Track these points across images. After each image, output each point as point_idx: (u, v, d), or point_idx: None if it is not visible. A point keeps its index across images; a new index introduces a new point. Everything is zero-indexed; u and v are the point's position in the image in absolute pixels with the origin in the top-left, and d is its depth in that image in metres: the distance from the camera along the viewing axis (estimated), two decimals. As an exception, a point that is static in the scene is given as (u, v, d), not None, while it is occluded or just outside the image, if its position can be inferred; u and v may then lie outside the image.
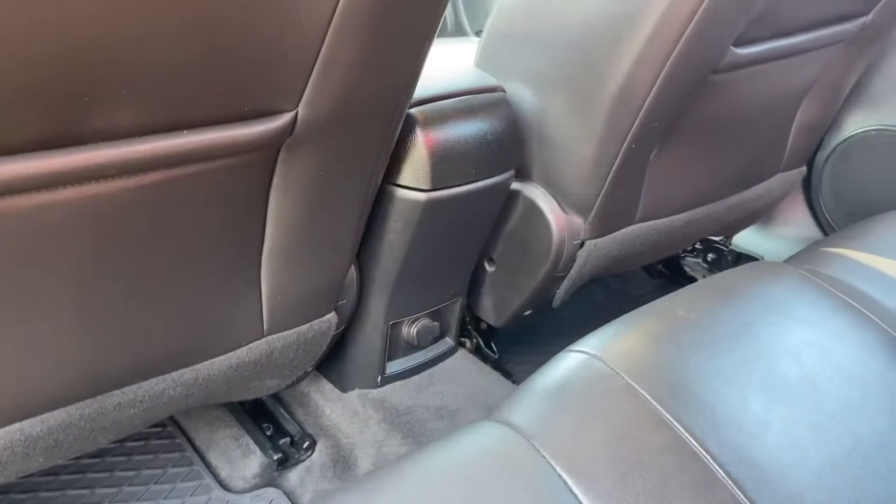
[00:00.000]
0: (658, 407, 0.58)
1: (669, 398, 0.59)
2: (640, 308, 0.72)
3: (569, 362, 0.63)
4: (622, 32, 0.83)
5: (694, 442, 0.56)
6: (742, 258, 1.57)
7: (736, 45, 0.91)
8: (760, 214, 1.38)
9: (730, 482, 0.55)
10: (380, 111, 0.70)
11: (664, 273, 1.60)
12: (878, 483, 0.58)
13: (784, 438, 0.60)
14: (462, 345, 1.17)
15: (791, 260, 0.93)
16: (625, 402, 0.58)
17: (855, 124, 1.44)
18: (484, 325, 1.20)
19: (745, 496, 0.54)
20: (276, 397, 1.10)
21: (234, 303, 0.78)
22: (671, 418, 0.57)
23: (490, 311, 1.11)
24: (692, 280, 1.59)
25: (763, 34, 0.95)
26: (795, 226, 1.58)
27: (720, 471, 0.55)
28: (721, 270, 1.56)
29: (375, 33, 0.61)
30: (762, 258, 1.56)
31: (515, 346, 1.32)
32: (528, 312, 1.10)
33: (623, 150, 0.92)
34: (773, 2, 0.88)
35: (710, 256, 1.59)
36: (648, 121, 0.90)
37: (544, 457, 0.54)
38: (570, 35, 0.88)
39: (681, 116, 0.95)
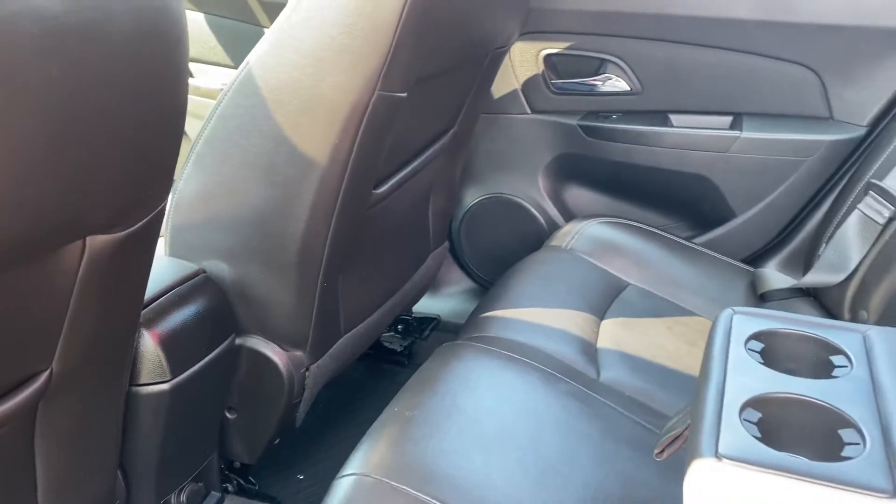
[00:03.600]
0: (420, 495, 0.79)
1: (425, 484, 0.80)
2: (378, 419, 0.93)
3: (343, 487, 0.81)
4: (290, 207, 1.04)
5: (450, 509, 0.78)
6: (423, 321, 1.88)
7: (375, 188, 1.17)
8: (428, 286, 1.69)
9: (481, 526, 0.78)
10: (122, 337, 0.81)
11: (369, 353, 1.84)
12: (568, 484, 0.86)
13: (502, 479, 0.85)
14: (226, 490, 1.27)
15: (463, 332, 1.21)
16: (398, 502, 0.78)
17: (471, 197, 1.83)
18: (237, 464, 1.31)
19: (493, 531, 0.78)
20: None
21: (22, 550, 0.82)
22: (431, 499, 0.78)
23: (242, 452, 1.24)
24: (392, 352, 1.85)
25: (391, 170, 1.23)
26: (454, 283, 1.93)
27: (473, 522, 0.78)
28: (410, 335, 1.86)
29: (117, 282, 0.73)
30: (438, 316, 1.89)
31: (268, 468, 1.45)
32: (276, 441, 1.25)
33: (318, 290, 1.12)
34: (393, 144, 1.16)
35: (399, 327, 1.87)
36: (330, 262, 1.11)
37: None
38: (248, 215, 1.06)
39: (351, 247, 1.19)
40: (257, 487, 1.34)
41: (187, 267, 1.07)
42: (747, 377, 0.78)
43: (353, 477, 0.81)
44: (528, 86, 1.69)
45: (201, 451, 1.15)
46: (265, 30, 1.86)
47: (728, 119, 1.60)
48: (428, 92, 1.17)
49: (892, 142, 1.40)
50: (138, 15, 0.57)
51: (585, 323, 1.27)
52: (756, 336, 0.86)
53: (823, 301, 1.44)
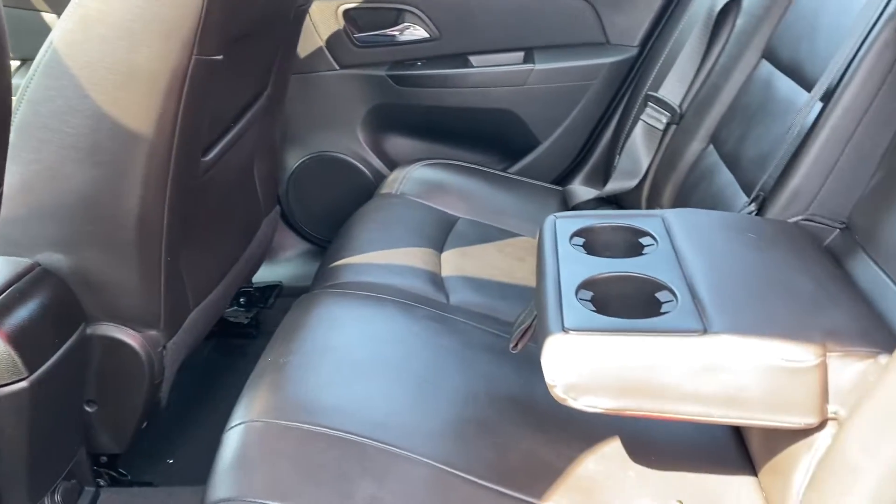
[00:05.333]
0: (311, 427, 0.84)
1: (313, 417, 0.85)
2: (254, 372, 0.96)
3: (234, 437, 0.85)
4: (121, 185, 1.02)
5: (343, 433, 0.84)
6: (266, 289, 1.88)
7: (202, 156, 1.17)
8: (266, 253, 1.70)
9: (371, 441, 0.85)
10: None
11: (215, 331, 1.82)
12: (441, 392, 0.95)
13: (383, 399, 0.92)
14: (100, 486, 1.24)
15: (316, 285, 1.26)
16: (290, 437, 0.83)
17: (294, 159, 1.85)
18: (104, 459, 1.28)
19: (382, 443, 0.85)
20: None
21: None
22: (324, 429, 0.84)
23: (109, 443, 1.21)
24: (238, 325, 1.85)
25: (215, 136, 1.23)
26: (290, 248, 1.96)
27: (365, 439, 0.84)
28: (254, 306, 1.86)
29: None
30: (280, 282, 1.90)
31: (136, 457, 1.42)
32: (144, 425, 1.23)
33: (163, 266, 1.12)
34: (214, 109, 1.16)
35: (242, 299, 1.86)
36: (170, 236, 1.11)
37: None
38: (76, 200, 1.03)
39: (188, 219, 1.19)
40: (129, 477, 1.32)
41: (20, 263, 1.02)
42: (576, 266, 0.91)
43: (241, 426, 0.85)
44: (332, 42, 1.73)
45: (68, 447, 1.12)
46: (43, 15, 1.76)
47: (521, 54, 1.74)
48: (240, 54, 1.18)
49: (660, 57, 1.60)
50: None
51: (428, 257, 1.36)
52: (577, 233, 0.99)
53: (624, 205, 1.63)
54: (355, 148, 1.83)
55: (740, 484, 0.91)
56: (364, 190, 1.80)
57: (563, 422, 0.95)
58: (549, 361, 0.77)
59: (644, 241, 0.97)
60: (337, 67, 1.76)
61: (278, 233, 1.82)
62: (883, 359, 0.73)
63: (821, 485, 0.75)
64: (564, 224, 1.01)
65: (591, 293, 0.85)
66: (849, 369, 0.76)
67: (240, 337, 1.84)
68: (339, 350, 1.00)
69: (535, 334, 0.89)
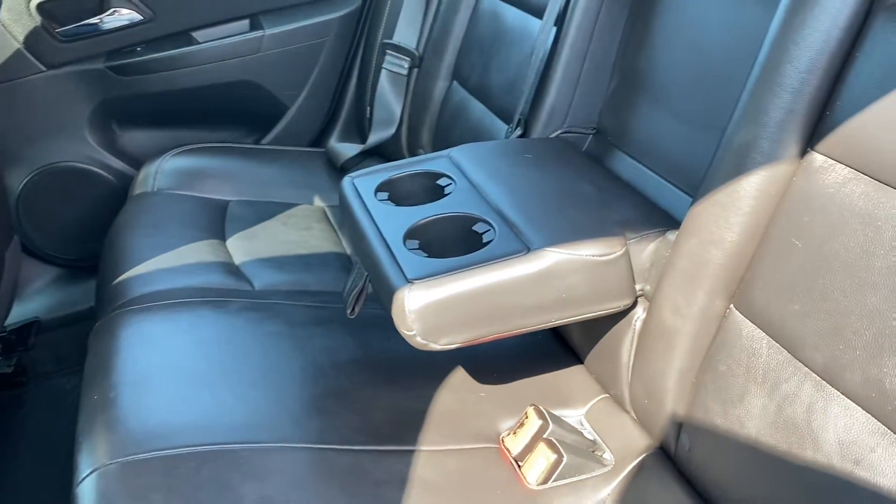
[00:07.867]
0: (170, 452, 0.78)
1: (169, 441, 0.80)
2: (81, 416, 0.87)
3: (89, 488, 0.76)
4: None
5: (209, 446, 0.80)
6: (21, 330, 1.66)
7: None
8: (15, 290, 1.50)
9: (241, 445, 0.82)
10: None
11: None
12: (286, 376, 0.93)
13: (233, 400, 0.89)
14: None
15: (104, 310, 1.14)
16: (153, 469, 0.77)
17: (18, 180, 1.63)
18: None
19: (252, 444, 0.82)
20: None
21: None
22: (187, 448, 0.79)
23: None
24: (3, 376, 1.62)
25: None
26: (39, 278, 1.74)
27: (234, 445, 0.81)
28: (14, 352, 1.64)
29: None
30: (37, 317, 1.70)
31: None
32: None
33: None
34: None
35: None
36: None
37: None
38: None
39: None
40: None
41: None
42: (392, 219, 0.94)
43: (93, 474, 0.77)
44: (32, 42, 1.53)
45: None
46: None
47: (246, 22, 1.68)
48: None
49: (386, 4, 1.64)
50: None
51: (214, 249, 1.30)
52: (379, 188, 1.02)
53: (388, 154, 1.68)
54: (88, 152, 1.66)
55: (572, 374, 1.03)
56: (110, 196, 1.66)
57: (410, 368, 0.99)
58: (402, 314, 0.80)
59: (442, 182, 1.02)
60: (44, 69, 1.56)
61: (23, 265, 1.62)
62: (671, 235, 0.86)
63: (645, 353, 0.88)
64: (363, 182, 1.03)
65: (417, 241, 0.89)
66: (646, 250, 0.88)
67: (8, 388, 1.63)
68: (167, 367, 0.93)
69: (376, 294, 0.90)
